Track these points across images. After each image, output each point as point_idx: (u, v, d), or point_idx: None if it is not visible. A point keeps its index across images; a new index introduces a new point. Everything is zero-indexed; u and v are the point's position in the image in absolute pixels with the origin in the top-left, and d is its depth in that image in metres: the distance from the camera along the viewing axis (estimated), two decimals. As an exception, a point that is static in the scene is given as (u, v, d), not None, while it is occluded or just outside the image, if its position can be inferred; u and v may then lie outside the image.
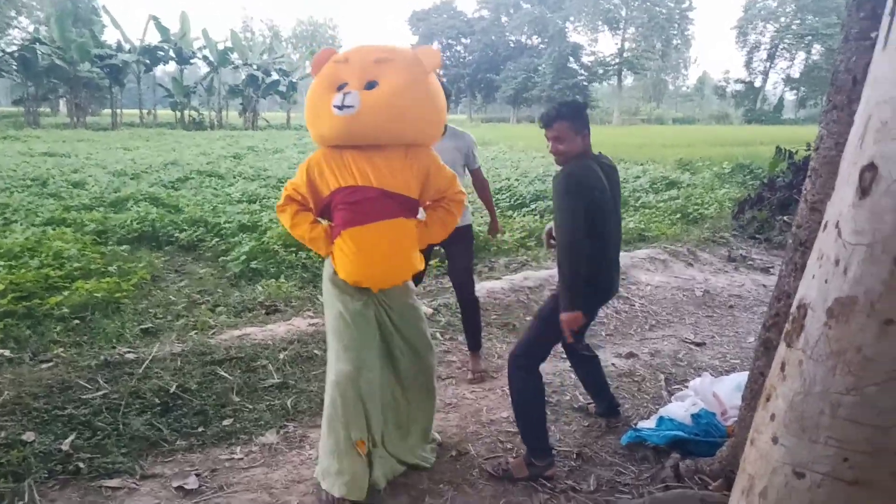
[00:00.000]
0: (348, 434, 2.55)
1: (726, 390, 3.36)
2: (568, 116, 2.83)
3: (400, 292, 2.76)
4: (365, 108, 2.44)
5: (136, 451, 2.97)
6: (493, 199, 4.28)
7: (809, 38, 58.45)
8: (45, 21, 36.01)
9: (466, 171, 3.97)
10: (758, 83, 63.92)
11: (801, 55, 62.48)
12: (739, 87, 65.43)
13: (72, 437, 2.97)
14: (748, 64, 64.11)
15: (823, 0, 55.83)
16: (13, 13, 45.49)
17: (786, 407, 1.26)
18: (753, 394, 2.68)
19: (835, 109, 2.38)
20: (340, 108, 2.46)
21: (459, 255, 3.94)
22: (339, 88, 2.52)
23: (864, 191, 1.11)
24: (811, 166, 2.50)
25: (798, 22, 59.34)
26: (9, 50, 33.20)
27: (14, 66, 32.22)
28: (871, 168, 1.10)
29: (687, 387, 3.77)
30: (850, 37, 2.34)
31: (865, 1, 2.27)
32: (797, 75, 62.59)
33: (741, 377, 3.43)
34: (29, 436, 2.96)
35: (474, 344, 4.06)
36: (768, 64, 63.33)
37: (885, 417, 1.13)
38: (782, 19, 61.03)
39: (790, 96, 66.84)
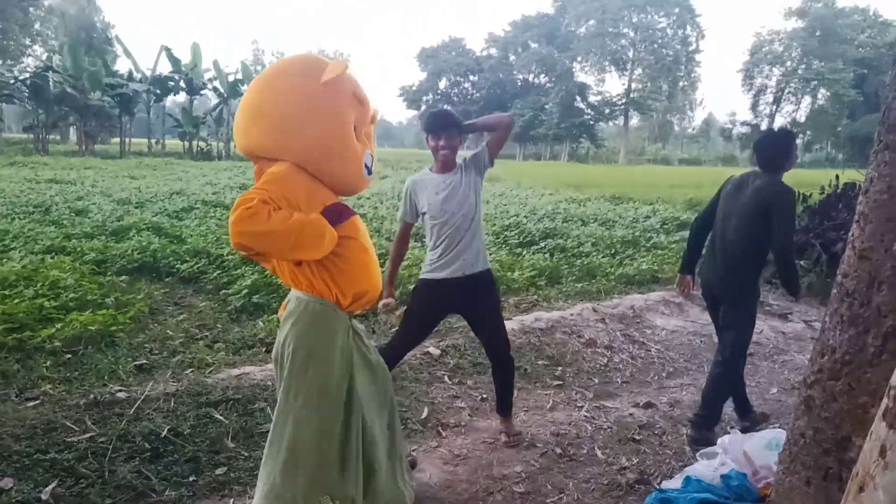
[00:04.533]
0: None
1: (757, 448, 3.12)
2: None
3: None
4: None
5: (122, 502, 2.75)
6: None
7: (815, 82, 58.97)
8: (58, 49, 36.40)
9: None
10: (764, 126, 64.18)
11: (807, 99, 62.98)
12: (745, 129, 65.72)
13: (53, 485, 2.76)
14: (754, 107, 64.58)
15: (829, 45, 56.46)
16: (28, 41, 46.15)
17: (889, 501, 1.06)
18: (792, 457, 2.46)
19: (886, 150, 2.20)
20: (370, 171, 2.42)
21: (483, 308, 3.37)
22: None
23: None
24: (859, 210, 2.30)
25: (804, 67, 59.89)
26: (21, 77, 33.61)
27: (26, 94, 32.53)
28: None
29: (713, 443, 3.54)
30: (900, 74, 2.18)
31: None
32: (803, 119, 62.91)
33: (772, 434, 3.22)
34: (6, 482, 2.75)
35: (504, 408, 3.58)
36: (774, 107, 63.76)
37: None
38: (788, 63, 61.62)
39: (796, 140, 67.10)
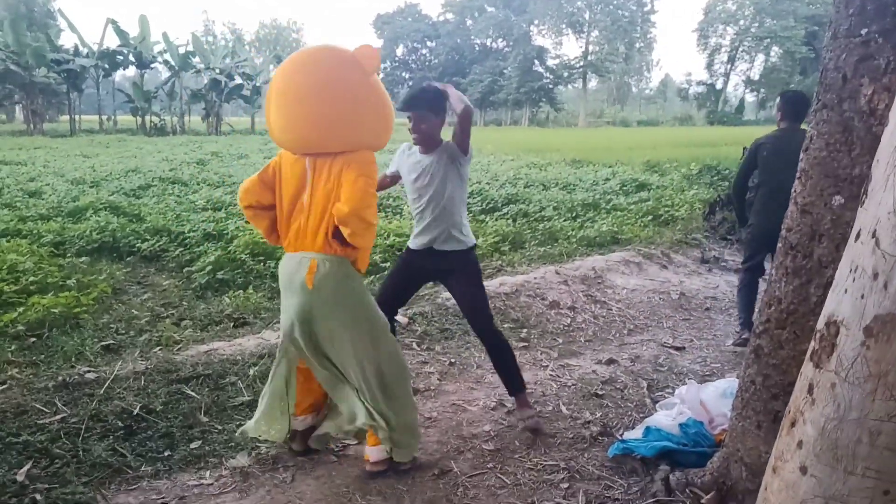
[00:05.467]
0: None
1: (713, 398, 3.28)
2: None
3: None
4: None
5: (98, 480, 2.78)
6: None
7: (768, 40, 59.61)
8: (-2, 25, 34.96)
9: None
10: (719, 85, 64.95)
11: (761, 57, 63.74)
12: (701, 89, 66.42)
13: (27, 467, 2.77)
14: (709, 66, 65.13)
15: (781, 3, 57.05)
16: (-35, 18, 44.11)
17: (816, 434, 1.16)
18: (744, 402, 2.61)
19: (825, 108, 2.30)
20: None
21: (461, 287, 3.32)
22: None
23: (907, 197, 1.02)
24: (801, 167, 2.42)
25: (757, 25, 60.46)
26: (-40, 55, 32.23)
27: (-34, 72, 31.24)
28: (915, 172, 1.00)
29: (671, 394, 3.70)
30: (838, 34, 2.26)
31: (854, -3, 2.19)
32: (757, 77, 63.78)
33: (727, 384, 3.37)
34: (-21, 467, 2.75)
35: (513, 386, 3.38)
36: (729, 66, 64.42)
37: (931, 446, 1.03)
38: (741, 22, 62.13)
39: (750, 98, 68.11)
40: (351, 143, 2.61)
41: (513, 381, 3.37)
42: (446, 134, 3.21)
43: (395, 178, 3.46)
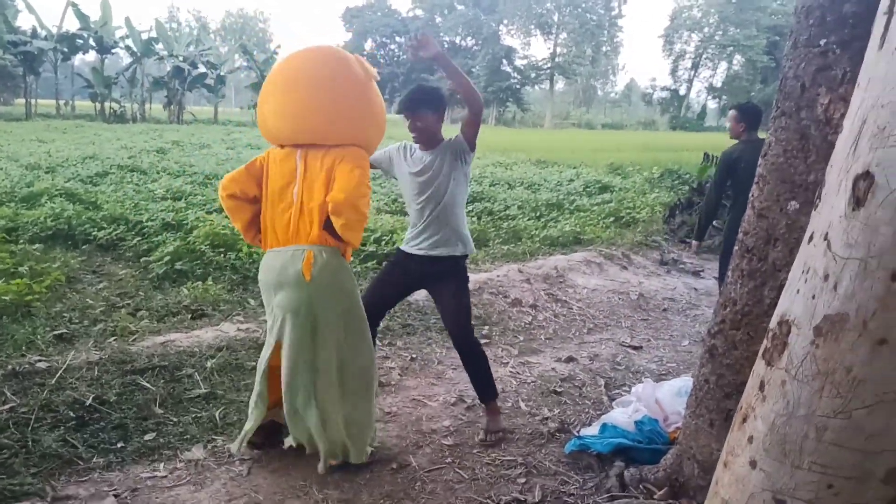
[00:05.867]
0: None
1: (667, 396, 3.35)
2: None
3: None
4: None
5: (48, 471, 2.71)
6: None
7: (731, 48, 60.84)
8: (-49, 3, 33.72)
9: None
10: (682, 91, 66.07)
11: (724, 65, 65.01)
12: (665, 94, 67.47)
13: (-28, 457, 2.69)
14: (674, 72, 66.21)
15: (744, 13, 58.24)
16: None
17: (766, 429, 1.19)
18: (698, 401, 2.66)
19: (783, 116, 2.37)
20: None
21: (448, 295, 3.24)
22: None
23: (857, 201, 1.05)
24: (759, 172, 2.48)
25: (721, 33, 61.65)
26: (-90, 33, 31.00)
27: (-85, 51, 30.10)
28: (866, 176, 1.04)
29: (627, 392, 3.76)
30: (798, 43, 2.32)
31: (814, 7, 2.25)
32: (719, 84, 65.04)
33: (681, 382, 3.44)
34: (-78, 456, 2.66)
35: (486, 394, 3.31)
36: (692, 73, 65.57)
37: (874, 442, 1.07)
38: (706, 30, 63.29)
39: (712, 105, 69.43)
40: (348, 138, 2.68)
41: (486, 389, 3.30)
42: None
43: (375, 160, 3.26)
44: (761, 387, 1.24)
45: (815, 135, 2.23)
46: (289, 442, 2.92)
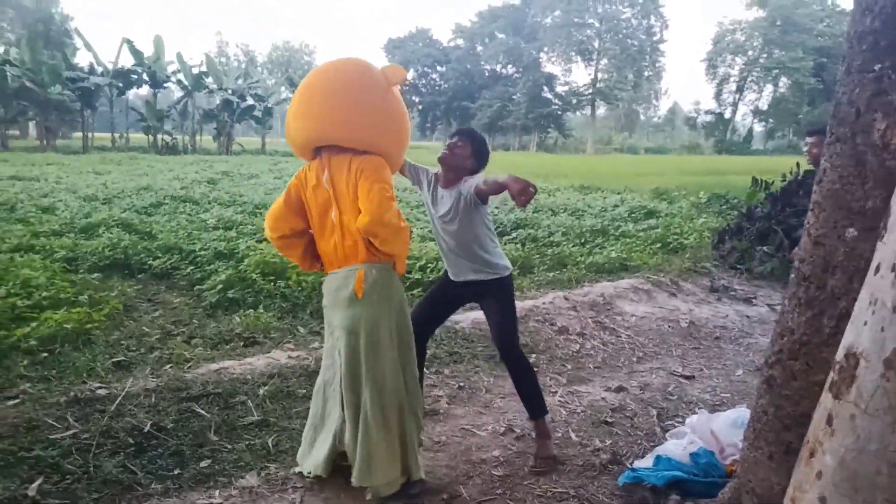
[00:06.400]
0: None
1: (723, 427, 3.28)
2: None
3: None
4: None
5: (109, 496, 2.79)
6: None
7: (776, 71, 60.01)
8: (15, 43, 35.42)
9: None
10: (727, 114, 65.25)
11: (769, 88, 64.08)
12: (709, 118, 66.73)
13: (39, 482, 2.79)
14: (718, 96, 65.50)
15: (789, 35, 57.49)
16: (-17, 35, 44.86)
17: (835, 464, 1.17)
18: (756, 433, 2.60)
19: (838, 142, 2.33)
20: None
21: (493, 311, 3.32)
22: None
23: (927, 232, 1.03)
24: (814, 199, 2.44)
25: (765, 56, 60.89)
26: (-23, 71, 32.71)
27: (-18, 88, 31.69)
28: (936, 208, 1.02)
29: (681, 423, 3.69)
30: (851, 69, 2.30)
31: (867, 33, 2.23)
32: (765, 107, 64.06)
33: (737, 413, 3.36)
34: (-9, 480, 2.76)
35: (534, 411, 3.33)
36: (737, 96, 64.77)
37: (952, 479, 1.04)
38: (750, 53, 62.57)
39: (758, 128, 68.36)
40: (366, 143, 2.68)
41: (535, 405, 3.31)
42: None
43: (411, 169, 3.39)
44: (829, 420, 1.22)
45: (872, 160, 2.19)
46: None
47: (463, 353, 4.76)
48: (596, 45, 64.59)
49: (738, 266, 8.10)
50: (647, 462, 3.15)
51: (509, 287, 3.34)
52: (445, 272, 3.44)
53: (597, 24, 64.47)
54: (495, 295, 3.28)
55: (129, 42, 33.68)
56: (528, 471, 3.20)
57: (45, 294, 5.04)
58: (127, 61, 34.98)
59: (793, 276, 2.49)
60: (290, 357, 4.34)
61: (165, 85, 37.06)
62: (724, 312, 6.40)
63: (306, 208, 2.79)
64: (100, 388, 3.68)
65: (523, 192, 2.69)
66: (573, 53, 64.86)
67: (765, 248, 8.01)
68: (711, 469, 3.00)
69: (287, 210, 2.78)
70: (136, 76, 35.10)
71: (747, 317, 6.30)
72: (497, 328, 3.30)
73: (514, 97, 62.96)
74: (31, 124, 38.69)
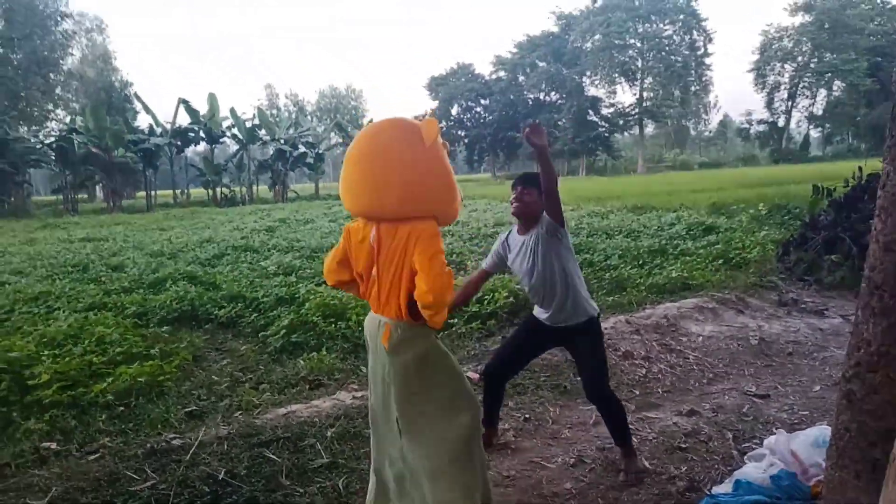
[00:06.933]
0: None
1: (804, 447, 3.14)
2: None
3: None
4: None
5: (187, 545, 2.84)
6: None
7: (829, 75, 58.48)
8: (80, 111, 37.53)
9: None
10: (781, 123, 63.71)
11: (823, 92, 62.41)
12: (763, 127, 65.30)
13: (121, 534, 2.86)
14: (769, 104, 64.13)
15: (840, 37, 56.07)
16: (50, 106, 47.57)
17: (927, 483, 1.11)
18: (840, 451, 2.49)
19: (898, 144, 2.26)
20: None
21: (582, 354, 3.38)
22: None
23: None
24: (879, 204, 2.35)
25: (816, 60, 59.48)
26: (47, 141, 34.73)
27: (52, 157, 33.66)
28: None
29: (758, 444, 3.56)
30: (908, 68, 2.24)
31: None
32: (820, 112, 62.32)
33: (819, 431, 3.22)
34: (77, 534, 2.85)
35: (622, 440, 3.41)
36: (790, 103, 63.29)
37: None
38: (799, 58, 61.28)
39: (815, 134, 66.46)
40: (412, 209, 2.57)
41: (622, 435, 3.39)
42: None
43: (487, 275, 3.60)
44: (916, 436, 1.16)
45: (937, 160, 2.12)
46: None
47: (526, 384, 4.71)
48: (639, 64, 64.27)
49: (807, 277, 7.82)
50: (726, 488, 3.03)
51: (599, 327, 3.41)
52: (531, 317, 3.50)
53: (638, 44, 64.19)
54: (585, 335, 3.34)
55: (185, 102, 35.23)
56: (619, 482, 3.28)
57: (118, 350, 5.24)
58: (184, 120, 36.60)
59: (864, 284, 2.40)
60: (354, 398, 4.38)
61: (221, 140, 38.58)
62: (796, 326, 6.17)
63: (353, 263, 2.77)
64: (174, 438, 3.78)
65: (532, 133, 2.94)
66: (616, 75, 64.63)
67: (833, 257, 7.73)
68: (795, 491, 2.87)
69: (336, 266, 2.80)
70: (193, 134, 36.65)
71: (820, 330, 6.06)
72: (588, 372, 3.34)
73: (559, 123, 62.98)
74: (98, 187, 40.65)
